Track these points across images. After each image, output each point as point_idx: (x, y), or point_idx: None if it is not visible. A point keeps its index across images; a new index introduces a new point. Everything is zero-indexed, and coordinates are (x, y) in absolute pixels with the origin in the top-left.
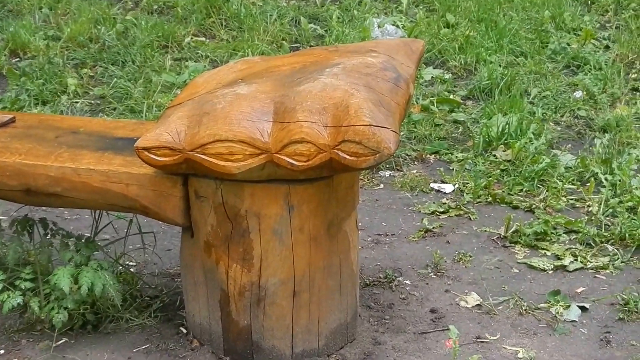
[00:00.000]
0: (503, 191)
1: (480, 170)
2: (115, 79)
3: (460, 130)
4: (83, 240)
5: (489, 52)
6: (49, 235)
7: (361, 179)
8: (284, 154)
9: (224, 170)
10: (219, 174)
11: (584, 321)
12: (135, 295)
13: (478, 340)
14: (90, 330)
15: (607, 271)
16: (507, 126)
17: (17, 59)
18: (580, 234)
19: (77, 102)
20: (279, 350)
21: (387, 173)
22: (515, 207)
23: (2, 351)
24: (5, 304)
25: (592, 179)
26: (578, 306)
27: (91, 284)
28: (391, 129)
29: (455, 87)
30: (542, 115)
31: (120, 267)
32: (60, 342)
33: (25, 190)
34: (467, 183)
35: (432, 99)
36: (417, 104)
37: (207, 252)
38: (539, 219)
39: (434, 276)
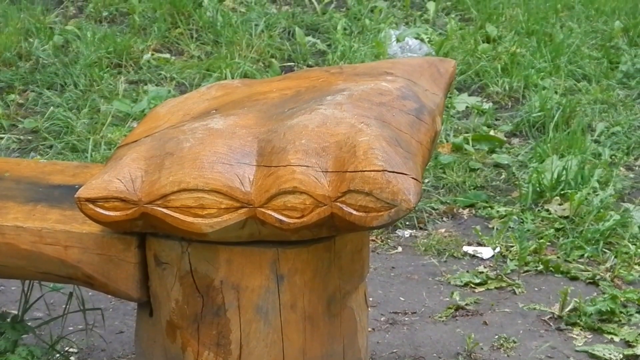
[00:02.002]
0: (558, 257)
1: (528, 230)
2: (52, 107)
3: (504, 176)
4: (9, 320)
5: (542, 75)
6: None
7: (373, 241)
8: (271, 208)
9: (192, 229)
10: (186, 234)
11: None
12: None
13: None
14: None
15: None
16: (564, 172)
17: None
18: None
19: (1, 138)
20: None
21: (407, 233)
22: (574, 279)
23: None
24: None
25: None
26: None
27: None
28: (411, 176)
29: (497, 120)
30: (611, 157)
31: (58, 355)
32: None
33: None
34: (512, 246)
35: (466, 135)
36: (447, 141)
37: (170, 335)
38: (604, 294)
39: None
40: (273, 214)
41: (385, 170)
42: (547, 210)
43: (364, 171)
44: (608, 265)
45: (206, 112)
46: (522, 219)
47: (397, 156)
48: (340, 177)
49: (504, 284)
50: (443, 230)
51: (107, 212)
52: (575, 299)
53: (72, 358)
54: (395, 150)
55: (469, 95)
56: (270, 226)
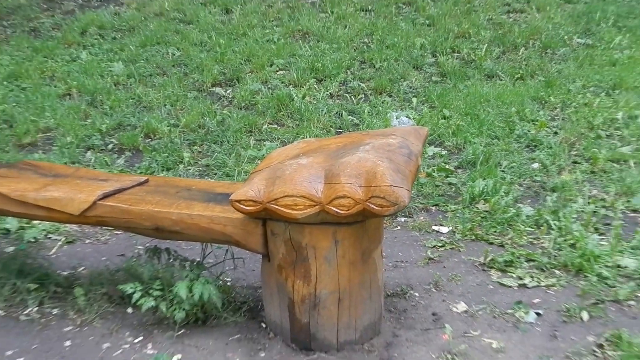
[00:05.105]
0: (482, 232)
1: (467, 217)
2: (216, 153)
3: (454, 189)
4: (195, 263)
5: (473, 136)
6: (171, 260)
7: (385, 222)
8: (332, 205)
9: (290, 217)
10: (287, 219)
11: (539, 322)
12: (230, 301)
13: (465, 334)
14: (200, 325)
15: (555, 288)
16: (485, 187)
17: (149, 140)
18: (536, 262)
19: (190, 169)
20: (329, 340)
21: (402, 219)
22: (491, 243)
23: (141, 337)
24: (143, 305)
25: (545, 224)
26: (534, 312)
27: (201, 293)
28: (405, 189)
29: (449, 159)
30: (510, 179)
31: (220, 282)
32: (180, 332)
33: (155, 229)
34: (458, 226)
35: (433, 168)
36: (423, 171)
37: (279, 272)
38: (507, 251)
39: (435, 290)
40: (333, 208)
41: (392, 185)
42: (477, 207)
43: (381, 186)
44: (509, 236)
45: (297, 155)
46: (463, 212)
47: (398, 178)
48: (368, 189)
49: (454, 246)
50: (422, 218)
51: (246, 207)
52: (492, 254)
53: (228, 283)
54: (397, 175)
55: (434, 147)
56: (331, 215)
